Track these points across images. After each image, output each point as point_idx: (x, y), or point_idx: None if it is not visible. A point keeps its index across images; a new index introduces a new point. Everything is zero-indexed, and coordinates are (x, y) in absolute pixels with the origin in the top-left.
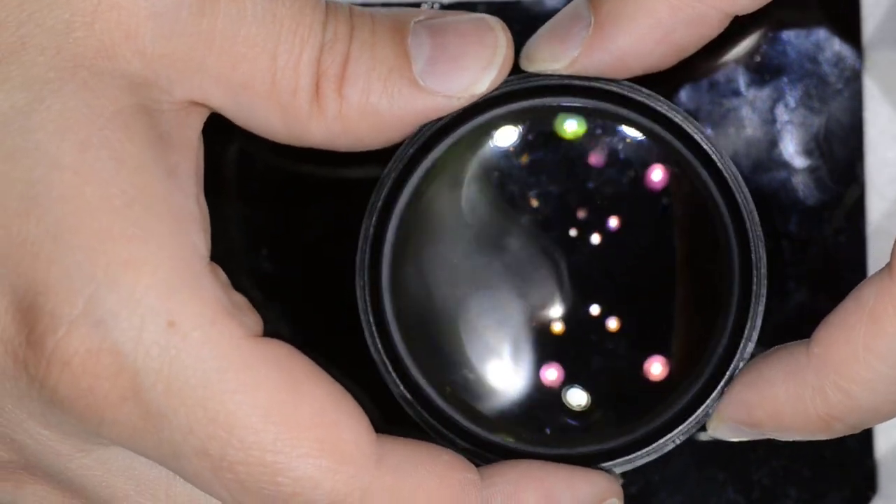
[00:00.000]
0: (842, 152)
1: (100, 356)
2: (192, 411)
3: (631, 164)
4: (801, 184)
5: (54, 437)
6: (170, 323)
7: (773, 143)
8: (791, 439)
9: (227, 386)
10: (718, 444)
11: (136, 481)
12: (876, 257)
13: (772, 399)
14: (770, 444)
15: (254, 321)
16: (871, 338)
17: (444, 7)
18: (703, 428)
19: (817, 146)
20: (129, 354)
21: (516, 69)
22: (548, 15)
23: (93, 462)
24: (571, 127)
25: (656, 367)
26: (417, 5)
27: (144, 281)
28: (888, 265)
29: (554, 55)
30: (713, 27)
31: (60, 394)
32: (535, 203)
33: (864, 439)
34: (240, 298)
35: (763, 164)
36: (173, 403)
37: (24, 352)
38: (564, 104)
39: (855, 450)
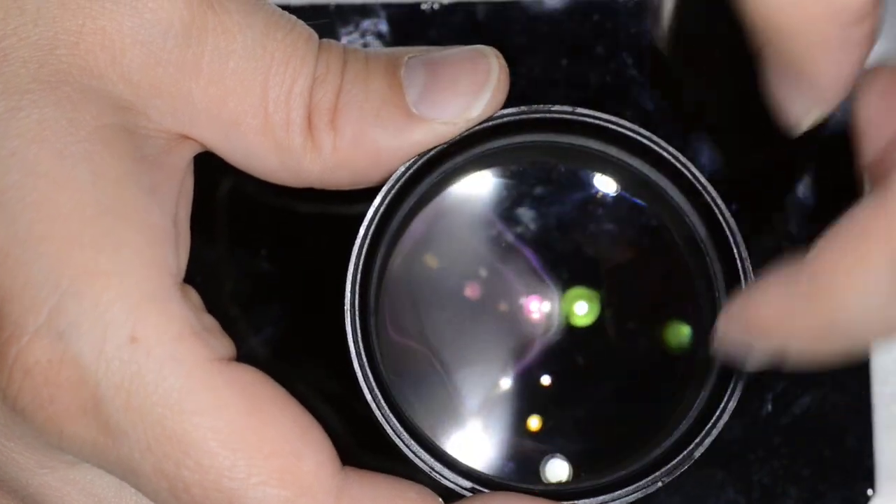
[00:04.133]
0: (842, 152)
1: (61, 367)
2: (150, 428)
3: (620, 204)
4: (801, 184)
5: (18, 449)
6: (132, 338)
7: (773, 142)
8: (792, 359)
9: (187, 406)
10: (718, 444)
11: None
12: None
13: (765, 307)
14: (770, 443)
15: (223, 345)
16: (863, 252)
17: (443, 7)
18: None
19: (817, 146)
20: (89, 367)
21: (516, 103)
22: (548, 15)
23: (55, 482)
24: (581, 310)
25: (644, 409)
26: (417, 6)
27: (109, 293)
28: (885, 184)
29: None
30: None
31: (21, 403)
32: (522, 237)
33: (864, 439)
34: (211, 322)
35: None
36: (132, 419)
37: None
38: (560, 141)
39: (855, 450)
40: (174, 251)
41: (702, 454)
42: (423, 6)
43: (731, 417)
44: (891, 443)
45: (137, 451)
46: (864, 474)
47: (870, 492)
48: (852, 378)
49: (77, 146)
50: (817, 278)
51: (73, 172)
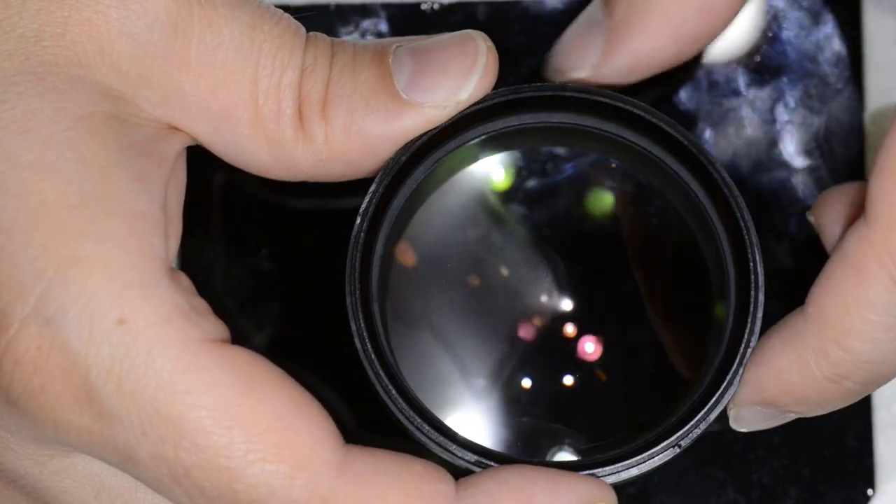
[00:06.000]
0: (842, 152)
1: (50, 354)
2: (144, 412)
3: (619, 181)
4: (801, 184)
5: (14, 441)
6: (120, 321)
7: (773, 143)
8: (815, 413)
9: (179, 387)
10: (718, 444)
11: (97, 489)
12: None
13: (778, 371)
14: (770, 443)
15: (214, 327)
16: (857, 289)
17: (443, 7)
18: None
19: (817, 146)
20: (79, 352)
21: (507, 83)
22: (548, 15)
23: (53, 471)
24: (588, 285)
25: (655, 382)
26: (417, 6)
27: (95, 278)
28: (864, 215)
29: (575, 64)
30: (724, 15)
31: (14, 393)
32: (525, 218)
33: (864, 439)
34: (201, 304)
35: (763, 164)
36: (125, 403)
37: None
38: (554, 122)
39: (855, 450)
40: (162, 237)
41: (704, 452)
42: (423, 6)
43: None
44: (891, 443)
45: (133, 437)
46: (864, 474)
47: (870, 492)
48: None
49: (62, 135)
50: (820, 326)
51: (57, 162)
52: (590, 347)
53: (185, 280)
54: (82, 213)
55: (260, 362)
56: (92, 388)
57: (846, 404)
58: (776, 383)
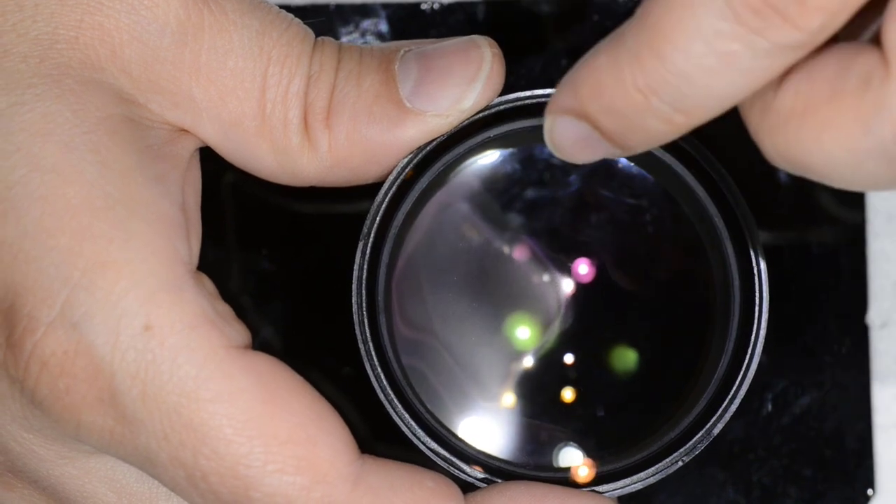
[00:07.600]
0: None
1: (76, 358)
2: (166, 417)
3: (623, 184)
4: (800, 185)
5: (37, 441)
6: (146, 326)
7: None
8: (627, 146)
9: (202, 394)
10: (718, 444)
11: (118, 494)
12: (876, 257)
13: (594, 70)
14: (770, 443)
15: (238, 332)
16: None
17: (443, 7)
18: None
19: None
20: (104, 357)
21: (507, 83)
22: (548, 15)
23: (75, 471)
24: (593, 294)
25: (659, 392)
26: (417, 6)
27: (122, 283)
28: None
29: None
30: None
31: (39, 395)
32: (528, 224)
33: (864, 440)
34: (225, 308)
35: (763, 163)
36: (149, 408)
37: (4, 353)
38: None
39: (855, 450)
40: (185, 239)
41: (703, 452)
42: (423, 6)
43: (731, 418)
44: (891, 443)
45: (154, 441)
46: (864, 474)
47: (870, 492)
48: (852, 378)
49: (83, 137)
50: (641, 28)
51: (80, 165)
52: (596, 352)
53: (208, 283)
54: (107, 216)
55: (282, 370)
56: (116, 392)
57: (654, 139)
58: (589, 84)
